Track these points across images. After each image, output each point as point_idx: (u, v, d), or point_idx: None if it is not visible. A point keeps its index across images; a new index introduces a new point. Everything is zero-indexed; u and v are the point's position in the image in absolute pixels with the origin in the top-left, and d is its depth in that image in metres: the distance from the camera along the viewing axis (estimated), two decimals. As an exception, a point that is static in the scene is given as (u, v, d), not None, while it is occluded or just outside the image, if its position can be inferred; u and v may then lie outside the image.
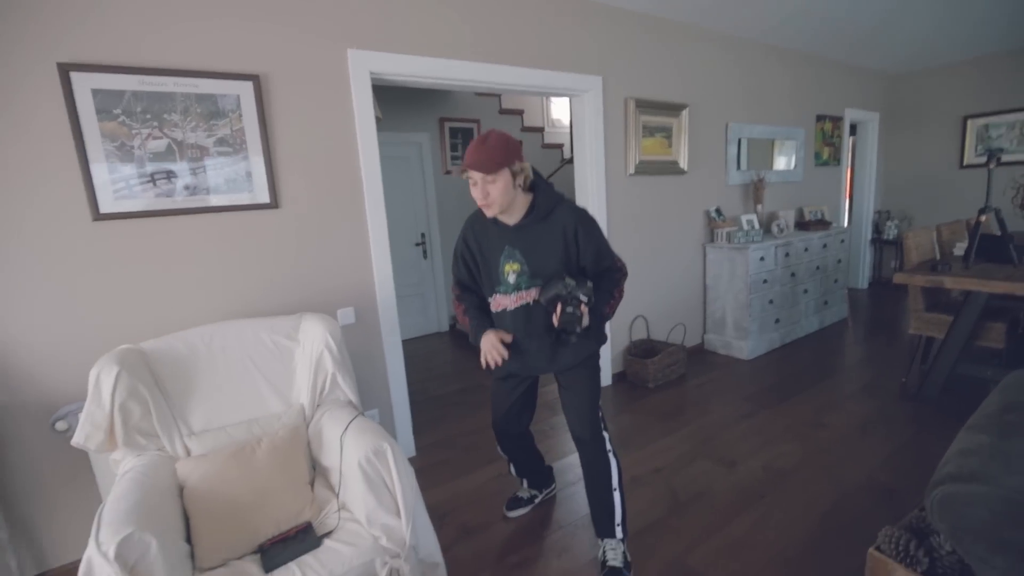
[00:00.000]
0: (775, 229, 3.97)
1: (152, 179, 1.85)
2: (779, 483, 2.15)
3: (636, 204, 3.33)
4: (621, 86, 3.14)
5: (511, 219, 1.53)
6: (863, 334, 4.17)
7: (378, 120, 3.40)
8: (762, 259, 3.60)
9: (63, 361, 1.75)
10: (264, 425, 1.67)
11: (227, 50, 1.93)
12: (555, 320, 1.46)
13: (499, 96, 4.90)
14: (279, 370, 1.76)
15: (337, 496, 1.53)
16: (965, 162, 5.15)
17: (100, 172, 1.77)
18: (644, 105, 3.25)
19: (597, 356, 1.70)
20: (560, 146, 5.52)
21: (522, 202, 1.52)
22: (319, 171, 2.18)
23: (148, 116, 1.83)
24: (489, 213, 1.49)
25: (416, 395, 3.30)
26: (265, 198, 2.07)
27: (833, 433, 2.55)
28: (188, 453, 1.55)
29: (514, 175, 1.46)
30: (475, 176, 1.44)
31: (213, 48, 1.91)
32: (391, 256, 2.40)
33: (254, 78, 1.98)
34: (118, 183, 1.80)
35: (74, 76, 1.70)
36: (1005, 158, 4.86)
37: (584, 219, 1.54)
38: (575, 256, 1.54)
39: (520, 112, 5.18)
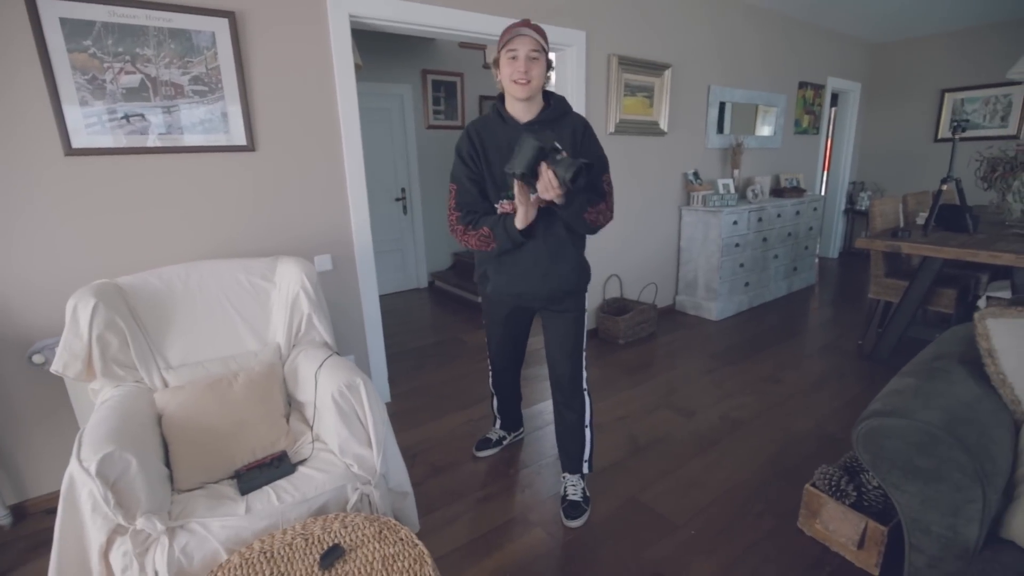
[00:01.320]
0: (750, 194, 4.05)
1: (127, 117, 1.83)
2: (734, 431, 2.30)
3: (615, 163, 3.35)
4: (605, 42, 3.11)
5: (525, 114, 1.50)
6: (828, 299, 4.34)
7: (358, 68, 3.33)
8: (735, 223, 3.69)
9: (38, 296, 1.76)
10: (241, 361, 1.72)
11: (199, -17, 1.88)
12: (549, 182, 1.31)
13: (484, 49, 4.80)
14: (255, 310, 1.80)
15: (311, 428, 1.60)
16: (939, 135, 5.26)
17: (72, 106, 1.74)
18: (627, 63, 3.24)
19: (584, 294, 1.71)
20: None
21: (538, 100, 1.52)
22: (297, 115, 2.16)
23: (120, 50, 1.79)
24: (521, 93, 1.43)
25: (392, 347, 3.37)
26: (241, 140, 2.05)
27: (788, 388, 2.70)
28: (166, 385, 1.60)
29: (548, 65, 1.46)
30: (521, 48, 1.38)
31: (184, -20, 1.85)
32: (370, 210, 2.42)
33: (230, 15, 1.94)
34: (90, 118, 1.77)
35: (40, 3, 1.65)
36: (977, 133, 4.98)
37: (590, 127, 1.57)
38: (580, 154, 1.51)
39: (505, 68, 5.08)
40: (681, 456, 2.13)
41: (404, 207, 4.76)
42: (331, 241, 2.35)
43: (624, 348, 3.30)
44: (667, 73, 3.47)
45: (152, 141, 1.88)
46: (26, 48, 1.65)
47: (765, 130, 4.39)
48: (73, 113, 1.74)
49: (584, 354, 1.77)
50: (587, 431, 1.79)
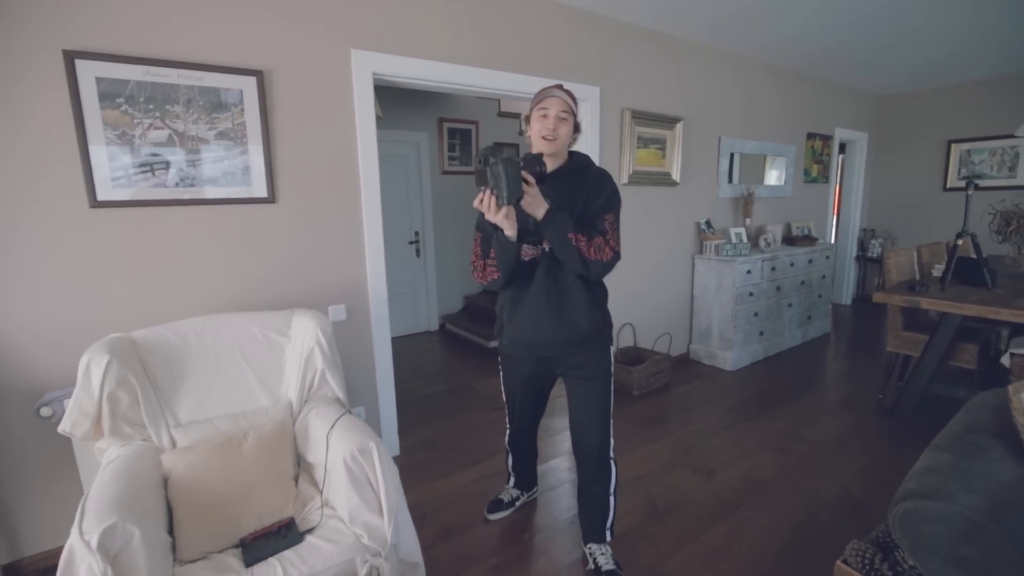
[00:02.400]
0: (763, 243, 4.05)
1: (151, 168, 1.86)
2: (755, 494, 2.21)
3: (628, 213, 3.37)
4: (618, 97, 3.18)
5: (551, 165, 1.54)
6: (844, 349, 4.26)
7: (378, 119, 3.42)
8: (749, 272, 3.67)
9: (52, 347, 1.75)
10: (251, 419, 1.68)
11: (232, 44, 1.95)
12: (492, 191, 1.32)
13: (498, 100, 4.93)
14: (268, 365, 1.78)
15: (321, 492, 1.55)
16: (948, 185, 5.28)
17: (100, 159, 1.78)
18: (640, 116, 3.30)
19: (607, 354, 1.67)
20: (556, 151, 5.56)
21: (564, 156, 1.59)
22: (317, 168, 2.19)
23: (151, 106, 1.84)
24: (548, 148, 1.50)
25: (402, 394, 3.32)
26: (263, 192, 2.08)
27: (810, 446, 2.61)
28: (174, 444, 1.56)
29: (576, 128, 1.56)
30: (552, 108, 1.48)
31: (219, 42, 1.92)
32: (384, 254, 2.42)
33: (258, 73, 2.00)
34: (117, 171, 1.81)
35: (79, 64, 1.71)
36: (985, 183, 4.99)
37: (608, 179, 1.60)
38: (592, 210, 1.54)
39: (518, 116, 5.21)
40: (702, 521, 2.04)
41: (417, 250, 4.79)
42: (346, 291, 2.34)
43: (639, 399, 3.23)
44: (679, 126, 3.53)
45: (175, 194, 1.91)
46: (60, 105, 1.69)
47: (773, 179, 4.43)
48: (101, 167, 1.78)
49: (612, 421, 1.71)
50: (612, 499, 1.73)
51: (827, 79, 4.75)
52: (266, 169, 2.07)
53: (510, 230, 1.42)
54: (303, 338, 1.79)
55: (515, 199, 1.30)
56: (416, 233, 4.78)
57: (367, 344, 2.44)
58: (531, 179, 1.38)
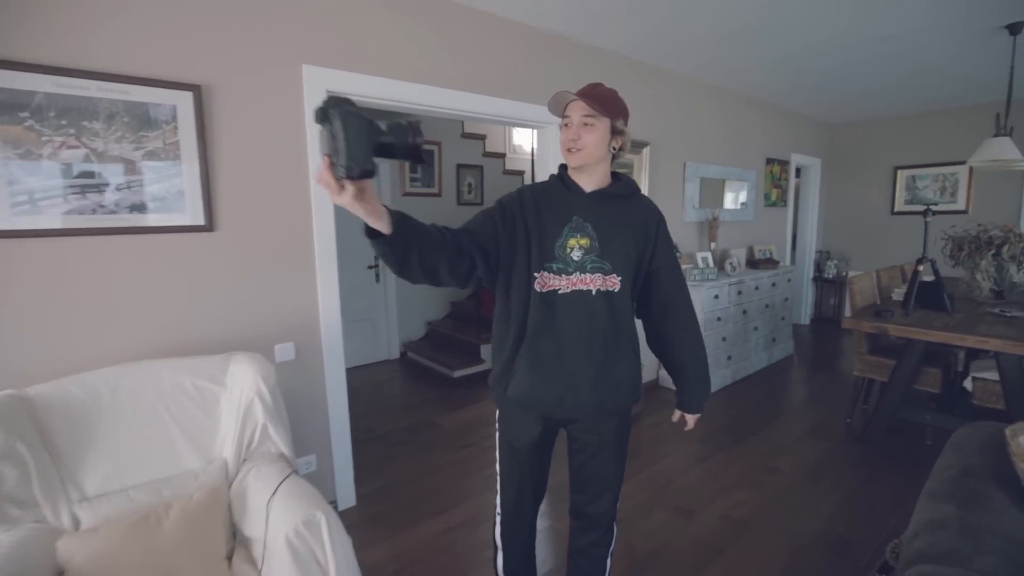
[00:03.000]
0: (728, 267, 4.05)
1: (64, 194, 1.61)
2: (737, 537, 2.09)
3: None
4: (585, 120, 3.11)
5: (589, 184, 1.29)
6: (808, 371, 4.30)
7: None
8: (716, 297, 3.64)
9: (-72, 406, 1.46)
10: (177, 486, 1.44)
11: (165, 56, 1.74)
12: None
13: (461, 121, 4.82)
14: (200, 420, 1.54)
15: (259, 574, 1.32)
16: (896, 209, 5.51)
17: (-3, 184, 1.52)
18: (607, 140, 3.24)
19: (630, 413, 1.44)
20: (521, 173, 5.48)
21: (604, 172, 1.30)
22: (263, 193, 1.99)
23: (63, 122, 1.60)
24: (572, 161, 1.25)
25: (359, 433, 3.07)
26: (199, 219, 1.85)
27: (786, 478, 2.54)
28: (77, 524, 1.31)
29: (614, 133, 1.26)
30: (573, 113, 1.22)
31: (149, 52, 1.70)
32: (341, 280, 2.21)
33: (195, 88, 1.79)
34: (19, 196, 1.55)
35: (-32, 72, 1.46)
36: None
37: (664, 220, 1.36)
38: (648, 258, 1.31)
39: (483, 137, 5.12)
40: (686, 570, 1.90)
41: (377, 275, 4.56)
42: (295, 328, 2.12)
43: (610, 432, 3.09)
44: (645, 151, 3.50)
45: (94, 221, 1.66)
46: (-53, 121, 1.44)
47: (732, 202, 4.47)
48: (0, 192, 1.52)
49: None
50: (609, 560, 1.52)
51: (784, 107, 4.88)
52: (203, 194, 1.84)
53: (369, 218, 0.93)
54: (241, 387, 1.57)
55: (360, 172, 0.83)
56: (376, 257, 4.55)
57: (319, 385, 2.21)
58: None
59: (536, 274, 1.25)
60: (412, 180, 4.69)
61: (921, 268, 2.82)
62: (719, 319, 3.68)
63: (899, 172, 5.44)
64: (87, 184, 1.65)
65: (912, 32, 2.92)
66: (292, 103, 2.01)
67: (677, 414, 1.49)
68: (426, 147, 4.71)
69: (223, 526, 1.39)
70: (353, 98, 2.15)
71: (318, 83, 2.04)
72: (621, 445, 1.41)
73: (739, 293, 3.86)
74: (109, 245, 1.70)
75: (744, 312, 3.95)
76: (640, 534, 2.12)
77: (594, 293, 1.25)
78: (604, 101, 1.24)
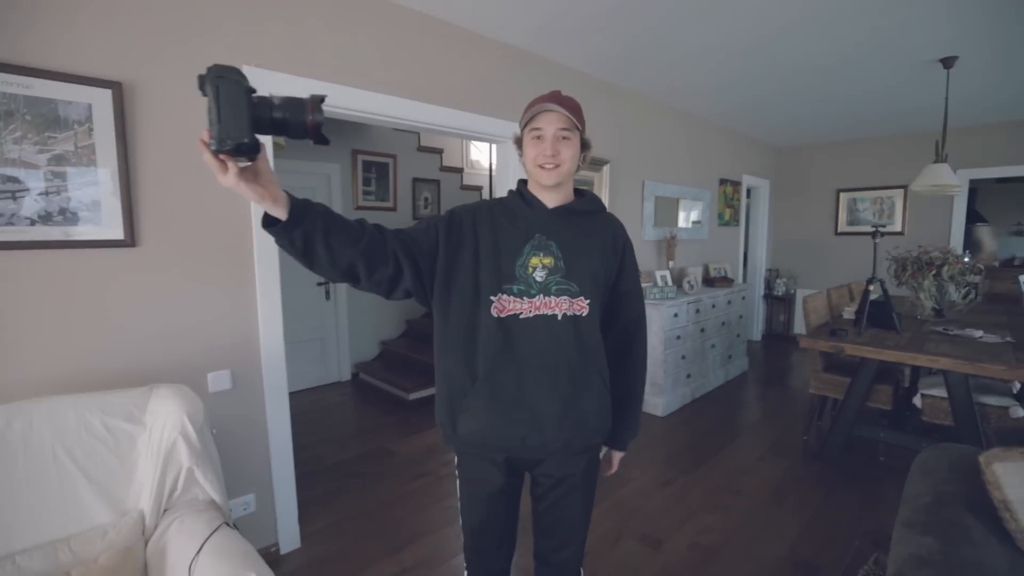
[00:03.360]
0: (686, 285, 4.08)
1: (-56, 201, 1.38)
2: (706, 565, 2.03)
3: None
4: (547, 136, 3.06)
5: (552, 199, 1.18)
6: (763, 387, 4.37)
7: (280, 148, 3.03)
8: (676, 315, 3.64)
9: None
10: (80, 547, 1.22)
11: (80, 48, 1.53)
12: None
13: (418, 133, 4.69)
14: (111, 466, 1.32)
15: (177, 651, 1.12)
16: (839, 229, 5.77)
17: None
18: (568, 157, 3.20)
19: (599, 450, 1.30)
20: (479, 188, 5.40)
21: (569, 188, 1.21)
22: (195, 203, 1.79)
23: (-55, 119, 1.37)
24: (548, 179, 1.12)
25: (306, 464, 2.84)
26: (117, 233, 1.63)
27: (750, 500, 2.51)
28: (-55, 601, 1.07)
29: (584, 148, 1.17)
30: (548, 126, 1.10)
31: (60, 43, 1.50)
32: (288, 297, 2.03)
33: (115, 85, 1.59)
34: None
35: None
36: (869, 229, 5.51)
37: (630, 239, 1.28)
38: (613, 277, 1.22)
39: (440, 151, 5.01)
40: (655, 607, 1.81)
41: (327, 292, 4.32)
42: (231, 354, 1.91)
43: (573, 455, 3.00)
44: (605, 168, 3.48)
45: (-16, 235, 1.43)
46: None
47: (685, 221, 4.54)
48: None
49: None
50: None
51: (736, 129, 5.04)
52: (123, 204, 1.63)
53: (262, 203, 0.87)
54: (163, 426, 1.36)
55: (235, 146, 0.76)
56: (327, 273, 4.32)
57: (259, 417, 2.00)
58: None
59: (493, 297, 1.12)
60: (365, 193, 4.51)
61: (872, 288, 2.91)
62: (679, 337, 3.68)
63: (841, 195, 5.72)
64: (-22, 191, 1.42)
65: (850, 62, 3.05)
66: (232, 107, 1.83)
67: (603, 450, 1.33)
68: (380, 160, 4.55)
69: (134, 594, 1.18)
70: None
71: (259, 85, 1.87)
72: (589, 486, 1.26)
73: (697, 311, 3.89)
74: (6, 262, 1.46)
75: (702, 330, 3.97)
76: (609, 567, 2.01)
77: (560, 318, 1.12)
78: (579, 112, 1.16)
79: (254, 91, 0.78)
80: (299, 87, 1.97)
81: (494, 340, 1.11)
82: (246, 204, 1.90)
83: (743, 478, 2.73)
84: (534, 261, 1.13)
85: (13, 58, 1.44)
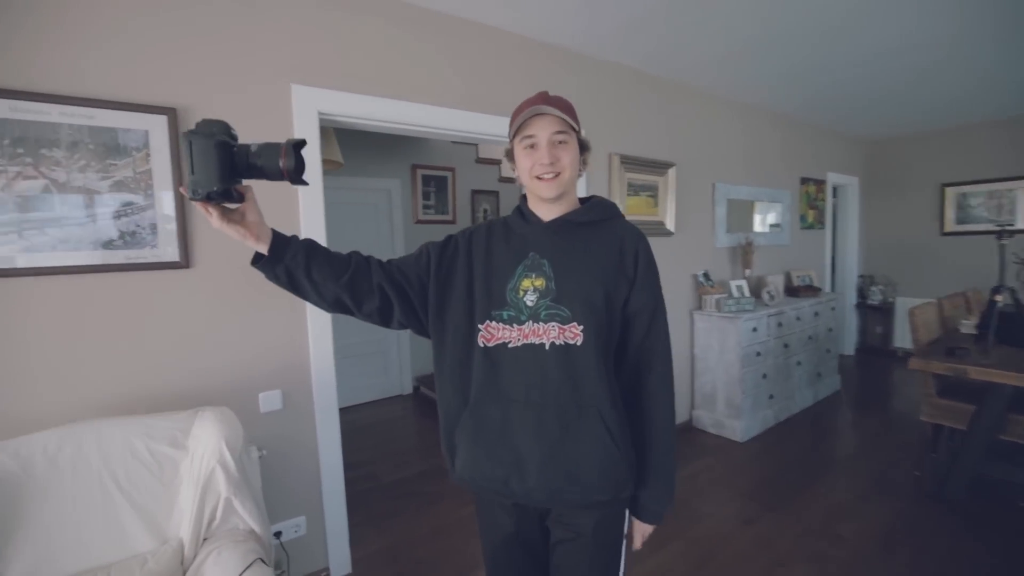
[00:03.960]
0: (766, 296, 3.71)
1: (19, 229, 1.44)
2: (799, 625, 1.74)
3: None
4: (605, 141, 2.89)
5: (550, 212, 1.05)
6: (860, 410, 3.87)
7: (339, 166, 3.07)
8: (755, 329, 3.31)
9: None
10: (121, 575, 1.20)
11: (137, 77, 1.58)
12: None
13: (476, 145, 4.66)
14: (154, 492, 1.31)
15: None
16: (946, 229, 5.08)
17: (-60, 219, 1.35)
18: (629, 162, 3.00)
19: (623, 507, 1.08)
20: (539, 199, 5.28)
21: (572, 198, 1.08)
22: (246, 224, 1.79)
23: (20, 151, 1.44)
24: (548, 191, 1.00)
25: (362, 482, 2.81)
26: (173, 256, 1.66)
27: (853, 550, 2.15)
28: (-9, 628, 1.07)
29: (581, 147, 1.04)
30: (542, 132, 0.98)
31: (118, 73, 1.55)
32: (345, 316, 1.99)
33: (170, 111, 1.62)
34: (-33, 233, 1.39)
35: (-87, 97, 1.31)
36: (982, 227, 4.81)
37: (648, 249, 1.06)
38: (622, 296, 1.02)
39: (498, 162, 4.94)
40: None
41: (387, 306, 4.36)
42: (282, 373, 1.90)
43: (640, 483, 2.75)
44: (671, 172, 3.24)
45: (52, 259, 1.48)
46: None
47: (764, 225, 4.15)
48: (-57, 228, 1.35)
49: None
50: None
51: (815, 123, 4.58)
52: (178, 227, 1.66)
53: (246, 241, 0.92)
54: (203, 452, 1.33)
55: (206, 195, 0.83)
56: (388, 288, 4.36)
57: (309, 437, 1.97)
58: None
59: (480, 325, 1.01)
60: (425, 207, 4.53)
61: (999, 298, 2.46)
62: (758, 354, 3.34)
63: (947, 190, 5.04)
64: (46, 218, 1.48)
65: (957, 39, 2.63)
66: (280, 126, 1.83)
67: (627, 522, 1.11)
68: (439, 174, 4.55)
69: (166, 632, 1.14)
70: (347, 120, 1.95)
71: (308, 103, 1.87)
72: (605, 553, 1.05)
73: (779, 325, 3.51)
74: (71, 285, 1.51)
75: (785, 346, 3.59)
76: (680, 621, 1.78)
77: (547, 348, 0.98)
78: (572, 112, 1.02)
79: (232, 142, 0.85)
80: (346, 103, 1.95)
81: (480, 371, 1.01)
82: (295, 222, 1.89)
83: (842, 520, 2.37)
84: (525, 283, 1.01)
85: (79, 91, 1.50)
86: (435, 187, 4.60)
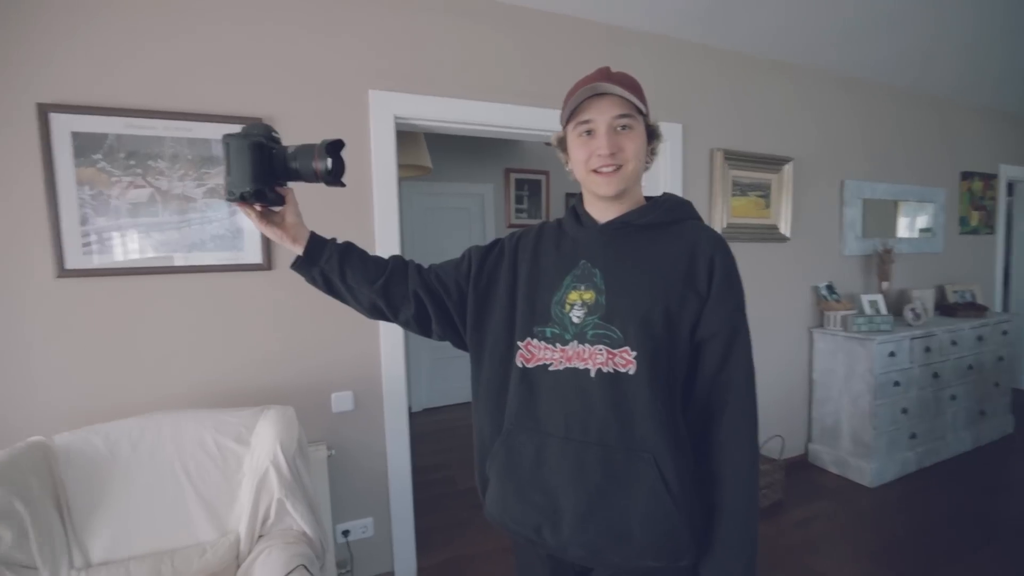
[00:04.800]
0: (909, 314, 3.11)
1: (128, 233, 1.61)
2: None
3: (721, 276, 2.70)
4: (706, 135, 2.60)
5: (607, 212, 0.90)
6: (1041, 462, 3.09)
7: (427, 171, 3.13)
8: (892, 354, 2.77)
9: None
10: (181, 563, 1.26)
11: (227, 91, 1.69)
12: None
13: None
14: (218, 484, 1.37)
15: None
16: None
17: (71, 224, 1.55)
18: (735, 158, 2.68)
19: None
20: (638, 202, 5.00)
21: (637, 195, 0.92)
22: (324, 226, 1.82)
23: (132, 162, 1.60)
24: (607, 188, 0.85)
25: (438, 486, 2.81)
26: (256, 258, 1.76)
27: (1022, 644, 1.68)
28: (72, 597, 1.17)
29: (649, 135, 0.88)
30: (600, 115, 0.83)
31: (211, 89, 1.67)
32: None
33: (257, 122, 1.72)
34: (89, 235, 1.57)
35: (53, 118, 1.51)
36: None
37: (729, 257, 0.87)
38: (690, 318, 0.83)
39: (594, 164, 4.76)
40: None
41: (477, 310, 4.38)
42: (354, 374, 1.93)
43: (737, 523, 2.42)
44: (787, 168, 2.84)
45: (155, 261, 1.64)
46: (31, 165, 1.49)
47: (909, 229, 3.48)
48: (71, 232, 1.54)
49: None
50: None
51: (985, 105, 3.77)
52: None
53: (283, 242, 0.93)
54: (261, 451, 1.36)
55: (240, 195, 0.84)
56: (478, 292, 4.38)
57: (378, 440, 1.98)
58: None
59: (520, 343, 0.88)
60: (518, 211, 4.49)
61: None
62: (896, 384, 2.79)
63: None
64: (151, 223, 1.63)
65: None
66: (357, 130, 1.87)
67: None
68: (532, 177, 4.48)
69: (211, 626, 1.17)
70: (423, 123, 1.93)
71: (385, 108, 1.88)
72: None
73: (927, 350, 2.91)
74: (168, 284, 1.66)
75: (935, 375, 2.96)
76: None
77: (593, 375, 0.82)
78: (639, 91, 0.85)
79: (271, 144, 0.86)
80: (421, 106, 1.94)
81: (516, 395, 0.88)
82: (369, 225, 1.91)
83: (1007, 603, 1.87)
84: (572, 296, 0.86)
85: (180, 106, 1.64)
86: (528, 191, 4.54)
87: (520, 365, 0.88)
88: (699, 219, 0.94)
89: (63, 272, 1.54)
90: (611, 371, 0.81)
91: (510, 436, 0.89)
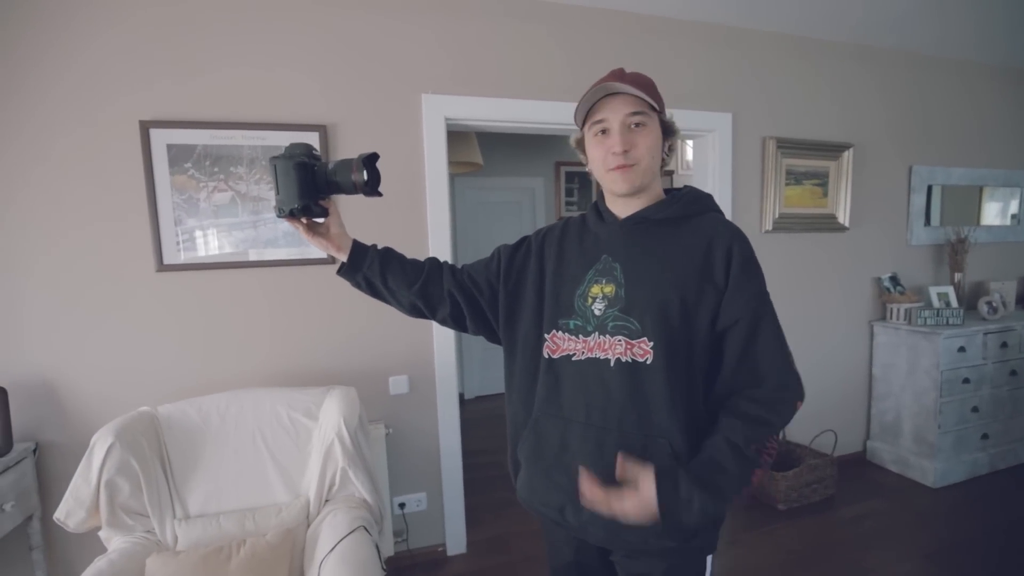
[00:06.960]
0: (984, 308, 2.91)
1: (213, 232, 1.83)
2: None
3: (774, 268, 2.64)
4: (757, 123, 2.55)
5: (627, 207, 0.95)
6: None
7: (478, 168, 3.25)
8: (962, 349, 2.62)
9: (108, 408, 1.74)
10: (260, 519, 1.45)
11: (295, 102, 1.87)
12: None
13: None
14: (292, 453, 1.55)
15: (306, 639, 1.23)
16: None
17: (167, 224, 1.78)
18: (789, 146, 2.61)
19: (704, 566, 0.95)
20: (690, 191, 4.90)
21: (657, 190, 0.96)
22: (381, 224, 2.00)
23: (216, 169, 1.81)
24: (625, 184, 0.89)
25: (486, 469, 2.95)
26: (321, 253, 1.93)
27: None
28: (175, 541, 1.39)
29: (665, 131, 0.92)
30: (614, 114, 0.87)
31: (281, 100, 1.86)
32: None
33: (321, 128, 1.89)
34: (182, 235, 1.80)
35: (153, 133, 1.74)
36: None
37: (747, 247, 0.91)
38: (709, 309, 0.87)
39: (645, 154, 4.72)
40: None
41: (526, 301, 4.49)
42: (409, 360, 2.08)
43: (785, 518, 2.40)
44: (847, 154, 2.73)
45: (236, 256, 1.85)
46: (134, 174, 1.73)
47: (999, 216, 3.23)
48: (168, 231, 1.78)
49: None
50: None
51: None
52: (326, 227, 1.93)
53: (328, 251, 1.00)
54: (327, 425, 1.53)
55: (290, 211, 0.91)
56: (528, 283, 4.48)
57: (431, 422, 2.13)
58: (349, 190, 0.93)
59: (547, 335, 0.95)
60: (568, 204, 4.54)
61: None
62: (966, 381, 2.64)
63: None
64: (232, 223, 1.84)
65: None
66: (411, 133, 2.00)
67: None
68: (582, 170, 4.50)
69: (286, 572, 1.34)
70: (472, 123, 2.05)
71: (436, 111, 2.00)
72: None
73: (1003, 345, 2.73)
74: (247, 277, 1.86)
75: (1012, 373, 2.77)
76: None
77: (612, 364, 0.88)
78: (652, 89, 0.88)
79: (312, 161, 0.92)
80: (472, 107, 2.04)
81: (543, 385, 0.95)
82: (423, 223, 2.05)
83: (1078, 613, 1.77)
84: (594, 290, 0.92)
85: (255, 117, 1.83)
86: (579, 183, 4.57)
87: (547, 356, 0.95)
88: (719, 212, 0.98)
89: (162, 267, 1.78)
90: (629, 360, 0.87)
91: (537, 423, 0.96)
